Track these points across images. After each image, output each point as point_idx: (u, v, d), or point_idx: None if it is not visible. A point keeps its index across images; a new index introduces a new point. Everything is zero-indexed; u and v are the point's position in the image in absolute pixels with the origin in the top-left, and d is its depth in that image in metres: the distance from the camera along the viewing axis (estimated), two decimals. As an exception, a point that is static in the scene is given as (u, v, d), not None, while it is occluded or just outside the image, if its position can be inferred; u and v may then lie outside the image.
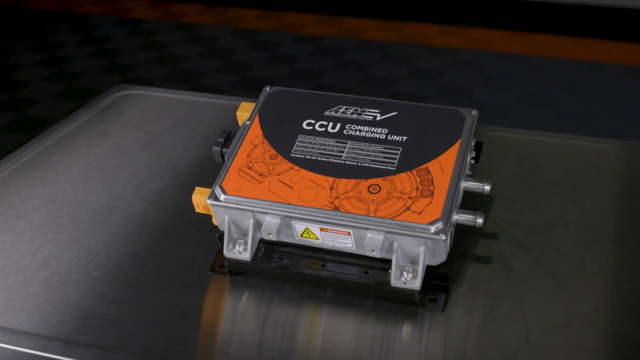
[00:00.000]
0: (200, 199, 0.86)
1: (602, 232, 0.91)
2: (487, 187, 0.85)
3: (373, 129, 0.89)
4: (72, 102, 3.00)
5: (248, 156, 0.87)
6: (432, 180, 0.82)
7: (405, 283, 0.79)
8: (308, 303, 0.83)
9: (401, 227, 0.78)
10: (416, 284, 0.79)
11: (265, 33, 3.63)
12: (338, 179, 0.83)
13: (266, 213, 0.82)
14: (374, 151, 0.86)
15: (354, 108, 0.92)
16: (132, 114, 1.22)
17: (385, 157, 0.85)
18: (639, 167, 1.04)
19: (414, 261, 0.80)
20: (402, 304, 0.81)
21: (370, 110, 0.91)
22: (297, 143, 0.88)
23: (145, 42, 3.57)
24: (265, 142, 0.88)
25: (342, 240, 0.81)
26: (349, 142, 0.87)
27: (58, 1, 4.11)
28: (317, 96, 0.95)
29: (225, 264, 0.85)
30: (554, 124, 2.70)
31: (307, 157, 0.86)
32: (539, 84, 3.02)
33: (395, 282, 0.80)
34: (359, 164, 0.85)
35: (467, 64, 3.23)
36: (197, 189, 0.86)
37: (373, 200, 0.80)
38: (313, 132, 0.89)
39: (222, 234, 0.86)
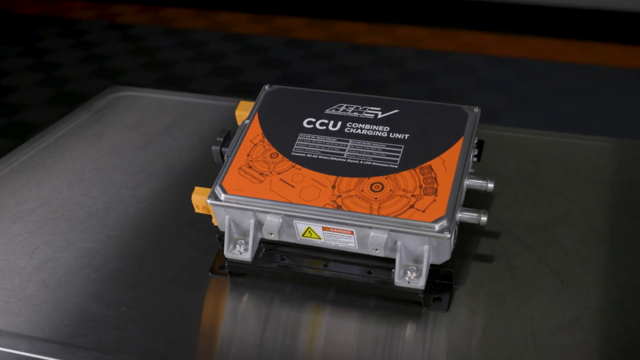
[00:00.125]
0: (200, 198, 0.84)
1: (606, 231, 0.90)
2: (491, 185, 0.85)
3: (374, 127, 0.88)
4: (62, 107, 2.98)
5: (248, 155, 0.86)
6: (435, 178, 0.81)
7: (409, 282, 0.78)
8: (310, 303, 0.82)
9: (405, 226, 0.77)
10: (420, 283, 0.78)
11: (255, 37, 3.62)
12: (340, 178, 0.82)
13: (267, 212, 0.81)
14: (376, 149, 0.85)
15: (355, 106, 0.91)
16: (127, 115, 1.21)
17: (387, 155, 0.84)
18: (639, 165, 1.04)
19: (417, 260, 0.79)
20: (406, 304, 0.80)
21: (372, 108, 0.90)
22: (297, 141, 0.87)
23: (135, 47, 3.55)
24: (266, 140, 0.87)
25: (344, 240, 0.80)
26: (351, 140, 0.86)
27: (47, 6, 4.09)
28: (317, 94, 0.94)
29: (226, 264, 0.84)
30: (546, 126, 2.70)
31: (308, 155, 0.85)
32: (530, 86, 3.02)
33: (399, 281, 0.79)
34: (361, 162, 0.84)
35: (458, 67, 3.23)
36: (197, 188, 0.85)
37: (376, 198, 0.79)
38: (314, 131, 0.88)
39: (222, 234, 0.85)
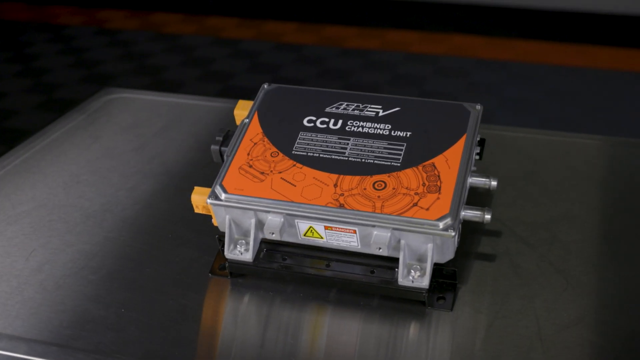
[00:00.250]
0: (199, 198, 0.83)
1: (608, 228, 0.90)
2: (494, 183, 0.84)
3: (376, 124, 0.87)
4: (52, 112, 2.96)
5: (248, 154, 0.85)
6: (438, 176, 0.80)
7: (413, 281, 0.78)
8: (312, 304, 0.81)
9: (409, 224, 0.76)
10: (424, 282, 0.77)
11: (245, 42, 3.61)
12: (342, 176, 0.81)
13: (269, 212, 0.80)
14: (378, 147, 0.84)
15: (356, 104, 0.90)
16: (122, 117, 1.20)
17: (389, 153, 0.83)
18: (639, 163, 1.03)
19: (421, 259, 0.78)
20: (409, 303, 0.79)
21: (373, 106, 0.89)
22: (298, 140, 0.86)
23: (125, 52, 3.53)
24: (266, 139, 0.86)
25: (347, 239, 0.79)
26: (352, 138, 0.85)
27: (35, 12, 4.07)
28: (317, 93, 0.93)
29: (226, 265, 0.83)
30: (539, 128, 2.70)
31: (309, 154, 0.84)
32: (521, 89, 3.02)
33: (402, 280, 0.78)
34: (363, 160, 0.83)
35: (449, 70, 3.23)
36: (196, 188, 0.84)
37: (379, 196, 0.78)
38: (314, 129, 0.87)
39: (221, 235, 0.84)
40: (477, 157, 0.88)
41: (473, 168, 0.86)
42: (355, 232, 0.78)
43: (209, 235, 0.88)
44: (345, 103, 0.90)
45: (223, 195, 0.81)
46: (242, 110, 0.93)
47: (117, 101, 1.26)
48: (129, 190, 1.00)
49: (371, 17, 3.84)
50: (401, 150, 0.83)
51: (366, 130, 0.86)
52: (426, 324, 0.78)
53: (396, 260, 0.79)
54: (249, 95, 0.94)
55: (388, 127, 0.86)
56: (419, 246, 0.77)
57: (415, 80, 3.14)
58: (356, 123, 0.87)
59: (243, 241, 0.82)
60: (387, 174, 0.81)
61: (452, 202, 0.77)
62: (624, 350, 0.74)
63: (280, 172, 0.82)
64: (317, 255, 0.82)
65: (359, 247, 0.80)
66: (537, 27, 3.63)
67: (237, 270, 0.83)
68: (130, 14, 4.01)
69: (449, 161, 0.82)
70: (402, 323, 0.78)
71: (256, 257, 0.82)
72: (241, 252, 0.82)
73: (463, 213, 0.80)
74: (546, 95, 2.96)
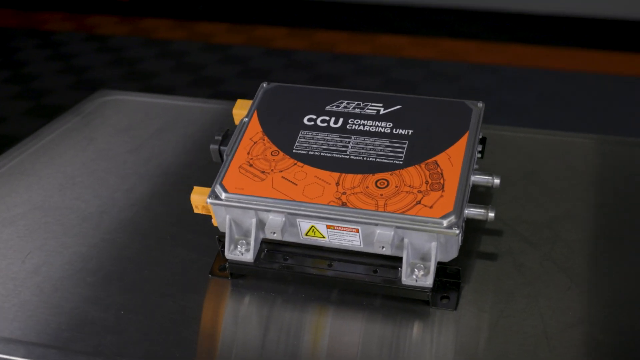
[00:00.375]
0: (199, 198, 0.82)
1: (611, 227, 0.89)
2: (497, 181, 0.83)
3: (377, 123, 0.86)
4: (41, 118, 2.94)
5: (248, 153, 0.84)
6: (441, 174, 0.79)
7: (416, 281, 0.77)
8: (314, 304, 0.80)
9: (412, 222, 0.75)
10: (428, 282, 0.77)
11: (235, 47, 3.60)
12: (344, 175, 0.80)
13: (270, 211, 0.79)
14: (380, 145, 0.83)
15: (356, 102, 0.89)
16: (117, 119, 1.19)
17: (391, 151, 0.82)
18: (638, 161, 1.03)
19: (425, 258, 0.77)
20: (412, 303, 0.79)
21: (373, 104, 0.89)
22: (299, 139, 0.85)
23: (115, 58, 3.52)
24: (266, 138, 0.85)
25: (349, 238, 0.78)
26: (353, 136, 0.84)
27: (22, 18, 4.05)
28: (316, 91, 0.92)
29: (227, 266, 0.82)
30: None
31: (310, 152, 0.83)
32: (513, 93, 3.02)
33: (406, 279, 0.77)
34: (365, 158, 0.82)
35: (441, 75, 3.22)
36: (196, 188, 0.83)
37: (382, 195, 0.77)
38: (315, 128, 0.86)
39: (221, 235, 0.83)
40: (479, 155, 0.88)
41: (475, 166, 0.85)
42: (357, 231, 0.77)
43: (207, 236, 0.87)
44: (346, 101, 0.89)
45: (223, 195, 0.80)
46: (240, 109, 0.92)
47: (112, 103, 1.24)
48: (125, 191, 0.99)
49: (362, 21, 3.84)
50: (403, 148, 0.83)
51: (367, 129, 0.85)
52: (430, 324, 0.77)
53: (399, 259, 0.78)
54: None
55: (389, 125, 0.86)
56: (422, 245, 0.77)
57: (407, 85, 3.13)
58: (357, 121, 0.86)
59: (244, 241, 0.81)
60: (390, 172, 0.80)
61: (456, 199, 0.76)
62: (630, 347, 0.73)
63: (281, 171, 0.81)
64: (318, 255, 0.82)
65: (362, 246, 0.79)
66: (528, 31, 3.64)
67: (238, 271, 0.82)
68: (120, 19, 3.99)
69: (452, 159, 0.81)
70: (406, 323, 0.77)
71: (257, 257, 0.81)
72: (242, 252, 0.81)
73: (466, 211, 0.79)
74: (538, 99, 2.96)
